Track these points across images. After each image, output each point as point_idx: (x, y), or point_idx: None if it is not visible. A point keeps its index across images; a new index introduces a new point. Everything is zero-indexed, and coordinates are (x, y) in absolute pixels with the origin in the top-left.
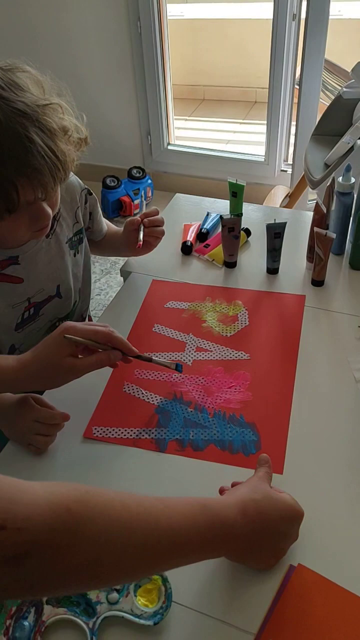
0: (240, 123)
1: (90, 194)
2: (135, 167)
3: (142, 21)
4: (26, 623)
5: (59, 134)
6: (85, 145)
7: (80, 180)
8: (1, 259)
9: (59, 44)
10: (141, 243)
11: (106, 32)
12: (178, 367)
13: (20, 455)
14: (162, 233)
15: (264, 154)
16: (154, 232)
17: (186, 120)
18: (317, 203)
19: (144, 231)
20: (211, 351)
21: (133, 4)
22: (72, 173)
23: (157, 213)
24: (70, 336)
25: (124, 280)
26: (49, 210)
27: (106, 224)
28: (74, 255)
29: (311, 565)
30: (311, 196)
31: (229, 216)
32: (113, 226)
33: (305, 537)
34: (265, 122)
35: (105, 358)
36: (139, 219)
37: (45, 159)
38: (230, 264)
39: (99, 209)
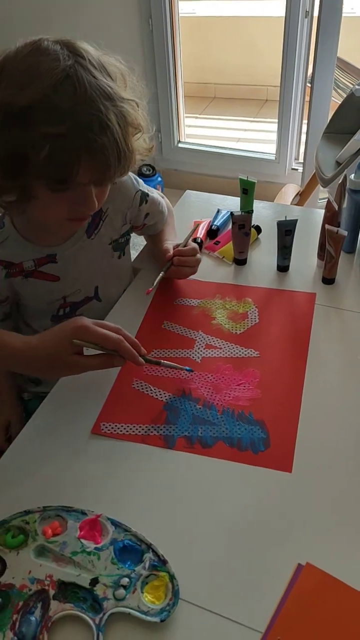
0: (252, 121)
1: (147, 195)
2: (146, 165)
3: (154, 19)
4: (33, 618)
5: (132, 130)
6: (148, 154)
7: (137, 181)
8: (39, 257)
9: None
10: (150, 290)
11: (117, 29)
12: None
13: (27, 451)
14: (192, 273)
15: (274, 152)
16: (181, 271)
17: (197, 118)
18: (328, 200)
19: (170, 268)
20: (220, 348)
21: (145, 2)
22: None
23: (193, 254)
24: (79, 342)
25: (134, 276)
26: (95, 201)
27: (165, 219)
28: (119, 257)
29: (319, 564)
30: (322, 195)
31: (239, 213)
32: (168, 232)
33: (314, 536)
34: (277, 120)
35: (108, 362)
36: (171, 255)
37: (117, 143)
38: (241, 261)
39: (160, 208)
